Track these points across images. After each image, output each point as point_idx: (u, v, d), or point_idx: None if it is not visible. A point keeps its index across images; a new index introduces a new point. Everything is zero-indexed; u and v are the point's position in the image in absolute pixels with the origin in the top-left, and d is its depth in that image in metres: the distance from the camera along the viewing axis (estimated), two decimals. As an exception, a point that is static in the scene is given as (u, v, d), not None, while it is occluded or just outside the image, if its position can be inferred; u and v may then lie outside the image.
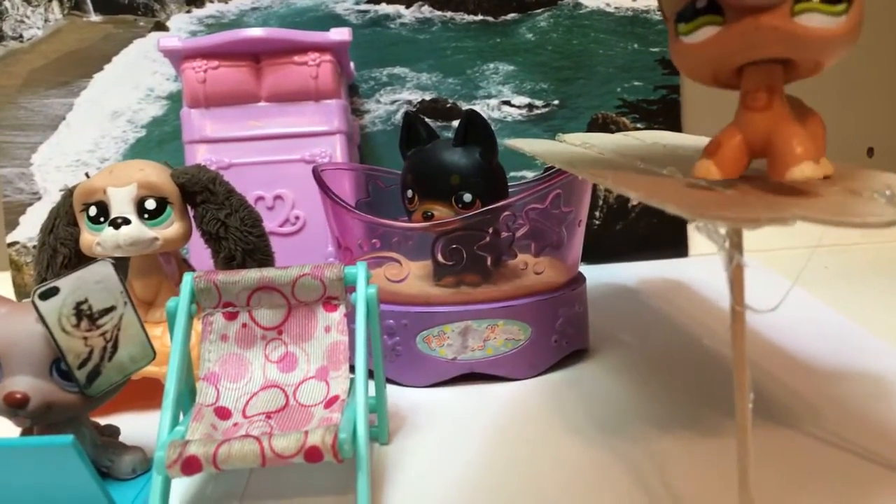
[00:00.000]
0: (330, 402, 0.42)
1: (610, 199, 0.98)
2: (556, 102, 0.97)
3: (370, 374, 0.46)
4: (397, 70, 0.96)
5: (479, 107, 0.96)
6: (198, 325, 0.44)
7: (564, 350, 0.60)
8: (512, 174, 0.88)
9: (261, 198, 0.79)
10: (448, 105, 0.97)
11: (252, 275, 0.43)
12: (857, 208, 0.28)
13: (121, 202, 0.51)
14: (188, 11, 0.95)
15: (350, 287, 0.44)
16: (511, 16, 0.97)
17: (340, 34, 0.80)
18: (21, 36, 0.94)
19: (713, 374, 0.56)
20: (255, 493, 0.43)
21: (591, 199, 0.64)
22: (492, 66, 0.97)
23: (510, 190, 0.62)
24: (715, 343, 0.63)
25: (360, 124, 0.96)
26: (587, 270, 0.66)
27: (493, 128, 0.58)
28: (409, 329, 0.56)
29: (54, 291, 0.37)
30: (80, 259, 0.53)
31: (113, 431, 0.46)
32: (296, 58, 0.79)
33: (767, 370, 0.56)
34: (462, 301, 0.57)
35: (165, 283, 0.55)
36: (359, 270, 0.43)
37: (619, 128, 0.97)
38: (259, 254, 0.55)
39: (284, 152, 0.80)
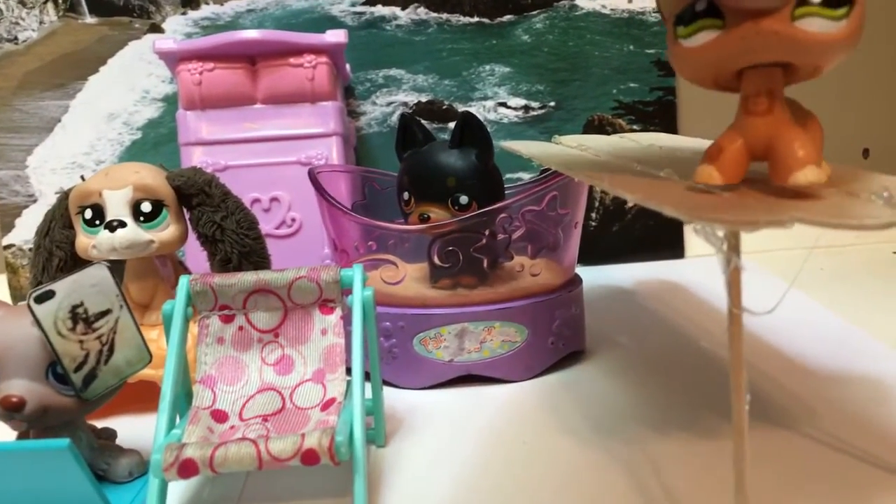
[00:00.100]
0: (326, 405, 0.42)
1: (606, 201, 0.99)
2: (552, 104, 0.97)
3: (367, 377, 0.46)
4: (393, 72, 0.96)
5: (475, 108, 0.96)
6: (194, 328, 0.44)
7: (561, 352, 0.60)
8: (508, 176, 0.88)
9: (257, 200, 0.79)
10: (444, 107, 0.97)
11: (248, 277, 0.43)
12: (855, 210, 0.29)
13: (116, 205, 0.50)
14: (183, 13, 0.95)
15: (346, 289, 0.44)
16: (507, 17, 0.97)
17: (336, 36, 0.80)
18: (16, 38, 0.94)
19: (710, 376, 0.56)
20: (251, 497, 0.43)
21: (587, 200, 0.64)
22: (488, 67, 0.97)
23: (506, 192, 0.62)
24: (712, 345, 0.63)
25: (357, 126, 0.96)
26: (583, 272, 0.66)
27: (489, 129, 0.58)
28: (405, 331, 0.56)
29: (50, 295, 0.37)
30: (75, 262, 0.53)
31: (109, 434, 0.46)
32: (291, 60, 0.79)
33: (764, 372, 0.56)
34: (458, 303, 0.57)
35: (161, 285, 0.55)
36: (355, 273, 0.43)
37: (615, 129, 0.98)
38: (255, 256, 0.55)
39: (280, 154, 0.80)
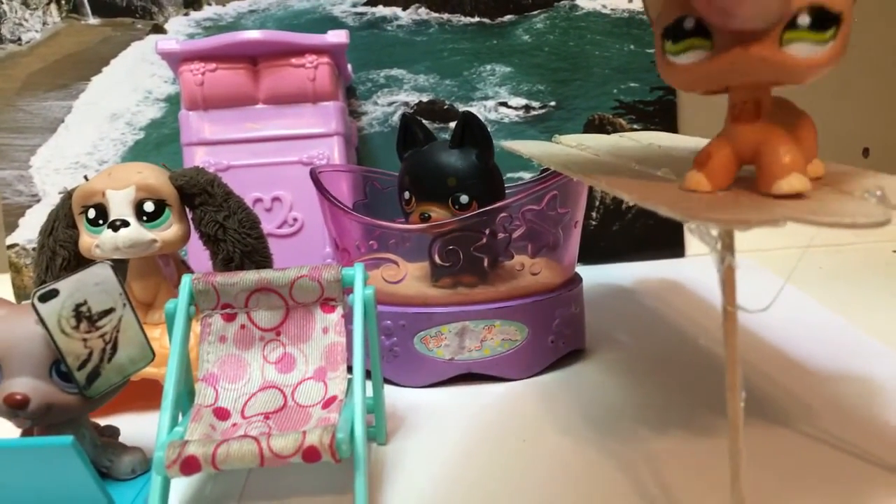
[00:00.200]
0: (328, 403, 0.42)
1: (606, 200, 0.99)
2: (552, 104, 0.98)
3: (368, 375, 0.46)
4: (394, 72, 0.96)
5: (475, 108, 0.97)
6: (196, 327, 0.45)
7: (561, 350, 0.60)
8: (509, 175, 0.88)
9: (259, 199, 0.80)
10: (445, 107, 0.97)
11: (250, 276, 0.43)
12: (848, 208, 0.29)
13: (119, 204, 0.51)
14: (186, 14, 0.96)
15: (348, 288, 0.44)
16: (507, 17, 0.97)
17: (338, 36, 0.80)
18: (19, 39, 0.94)
19: (709, 374, 0.56)
20: (253, 494, 0.43)
21: (587, 199, 0.64)
22: (488, 67, 0.97)
23: (507, 191, 0.63)
24: (711, 343, 0.63)
25: (358, 126, 0.96)
26: (584, 271, 0.66)
27: (489, 129, 0.59)
28: (406, 330, 0.57)
29: (54, 293, 0.37)
30: (79, 261, 0.53)
31: (112, 432, 0.46)
32: (293, 60, 0.79)
33: (762, 370, 0.56)
34: (459, 302, 0.57)
35: (164, 284, 0.55)
36: (356, 272, 0.44)
37: (616, 129, 0.98)
38: (257, 255, 0.55)
39: (282, 154, 0.80)
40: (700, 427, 0.47)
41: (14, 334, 0.38)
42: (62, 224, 0.54)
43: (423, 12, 0.97)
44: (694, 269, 0.93)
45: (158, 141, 0.95)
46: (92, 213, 0.51)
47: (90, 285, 0.39)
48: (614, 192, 0.33)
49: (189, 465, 0.35)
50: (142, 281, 0.55)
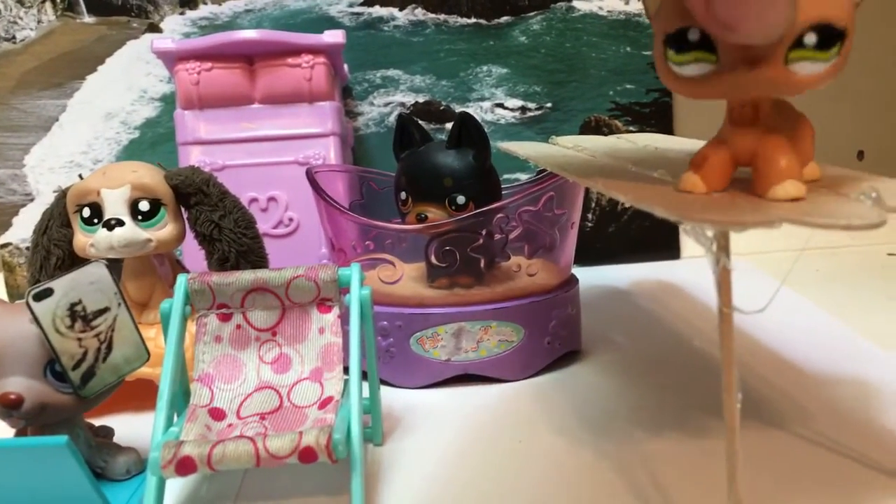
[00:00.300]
0: (324, 403, 0.42)
1: (603, 202, 0.99)
2: (549, 105, 0.98)
3: (364, 376, 0.46)
4: (391, 72, 0.96)
5: (472, 109, 0.97)
6: (192, 327, 0.45)
7: (557, 351, 0.60)
8: (505, 176, 0.88)
9: (254, 199, 0.79)
10: (441, 107, 0.97)
11: (246, 276, 0.43)
12: (843, 210, 0.29)
13: (114, 204, 0.51)
14: (182, 13, 0.95)
15: (344, 289, 0.44)
16: (504, 19, 0.97)
17: (334, 36, 0.80)
18: (14, 37, 0.94)
19: (705, 376, 0.56)
20: (249, 494, 0.43)
21: (583, 201, 0.64)
22: (485, 68, 0.97)
23: (503, 192, 0.63)
24: (707, 345, 0.63)
25: (354, 126, 0.96)
26: (580, 272, 0.66)
27: (486, 130, 0.59)
28: (402, 330, 0.57)
29: (48, 293, 0.37)
30: (73, 260, 0.53)
31: (107, 432, 0.46)
32: (289, 60, 0.79)
33: (758, 372, 0.56)
34: (455, 303, 0.57)
35: (159, 284, 0.55)
36: (353, 272, 0.44)
37: (612, 130, 0.98)
38: (253, 255, 0.55)
39: (278, 154, 0.80)
40: (695, 428, 0.48)
41: (8, 333, 0.38)
42: (56, 223, 0.54)
43: (420, 13, 0.97)
44: (689, 270, 0.93)
45: (154, 140, 0.95)
46: (87, 212, 0.51)
47: (85, 284, 0.39)
48: (610, 193, 0.33)
49: (185, 466, 0.35)
50: (137, 281, 0.55)
